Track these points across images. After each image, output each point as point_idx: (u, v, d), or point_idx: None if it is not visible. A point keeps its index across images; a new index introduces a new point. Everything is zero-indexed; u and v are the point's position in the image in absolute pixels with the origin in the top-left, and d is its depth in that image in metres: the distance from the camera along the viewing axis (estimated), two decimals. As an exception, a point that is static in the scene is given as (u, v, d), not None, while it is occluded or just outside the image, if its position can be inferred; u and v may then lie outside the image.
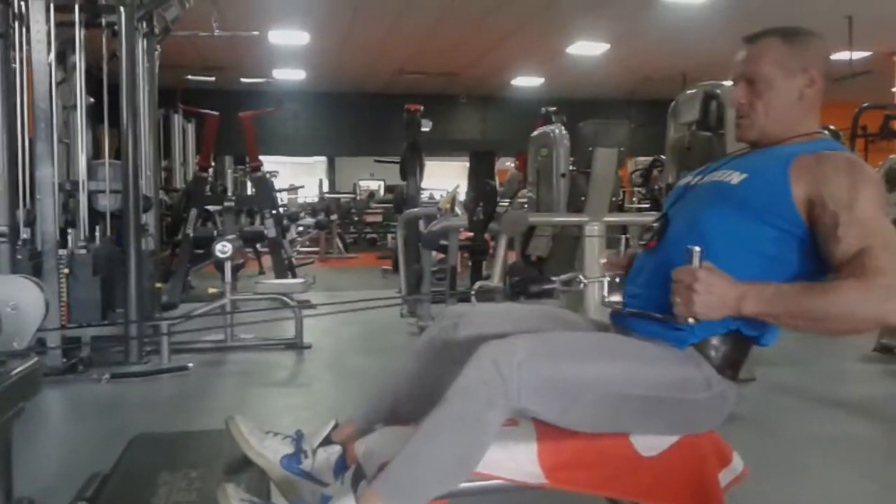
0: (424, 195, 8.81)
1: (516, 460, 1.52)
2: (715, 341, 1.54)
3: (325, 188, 16.82)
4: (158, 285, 4.93)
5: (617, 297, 1.75)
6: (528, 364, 1.41)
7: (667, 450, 1.55)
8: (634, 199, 12.25)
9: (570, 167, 4.69)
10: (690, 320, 1.41)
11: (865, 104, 5.58)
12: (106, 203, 4.97)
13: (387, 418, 1.77)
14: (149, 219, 5.03)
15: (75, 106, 5.17)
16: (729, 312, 1.40)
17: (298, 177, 17.91)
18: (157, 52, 5.31)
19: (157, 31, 5.28)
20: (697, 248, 1.41)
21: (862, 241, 1.41)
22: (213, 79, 10.25)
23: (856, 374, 4.27)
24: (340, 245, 12.62)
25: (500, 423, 1.43)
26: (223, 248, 4.60)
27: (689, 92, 4.17)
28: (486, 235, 4.48)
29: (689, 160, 4.21)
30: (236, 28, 8.03)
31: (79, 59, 4.85)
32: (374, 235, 14.35)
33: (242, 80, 10.40)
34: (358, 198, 15.66)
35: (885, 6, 9.10)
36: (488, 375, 1.40)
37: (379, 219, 14.61)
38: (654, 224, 1.70)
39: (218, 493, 1.39)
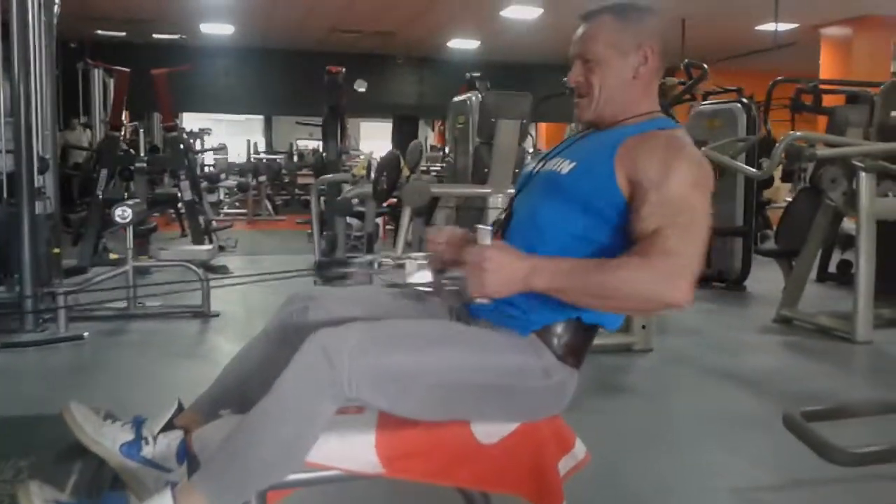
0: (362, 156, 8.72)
1: (354, 450, 1.50)
2: (558, 329, 1.53)
3: (262, 148, 16.43)
4: (56, 250, 4.73)
5: (424, 277, 1.71)
6: (358, 352, 1.37)
7: (506, 437, 1.54)
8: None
9: (476, 139, 4.65)
10: (481, 300, 1.41)
11: (779, 78, 5.68)
12: (2, 164, 4.75)
13: (233, 404, 1.72)
14: (46, 181, 4.82)
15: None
16: (520, 288, 1.40)
17: (234, 136, 17.48)
18: (55, 4, 5.03)
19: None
20: (486, 228, 1.40)
21: (661, 220, 1.40)
22: (123, 34, 9.80)
23: (752, 345, 4.38)
24: (270, 207, 12.40)
25: (330, 413, 1.40)
26: (123, 214, 4.44)
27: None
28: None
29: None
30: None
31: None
32: (307, 197, 14.10)
33: (154, 35, 9.98)
34: (294, 158, 15.36)
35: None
36: (317, 364, 1.36)
37: (311, 181, 14.36)
38: (502, 215, 1.68)
39: (19, 492, 1.32)
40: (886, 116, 4.71)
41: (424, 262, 1.71)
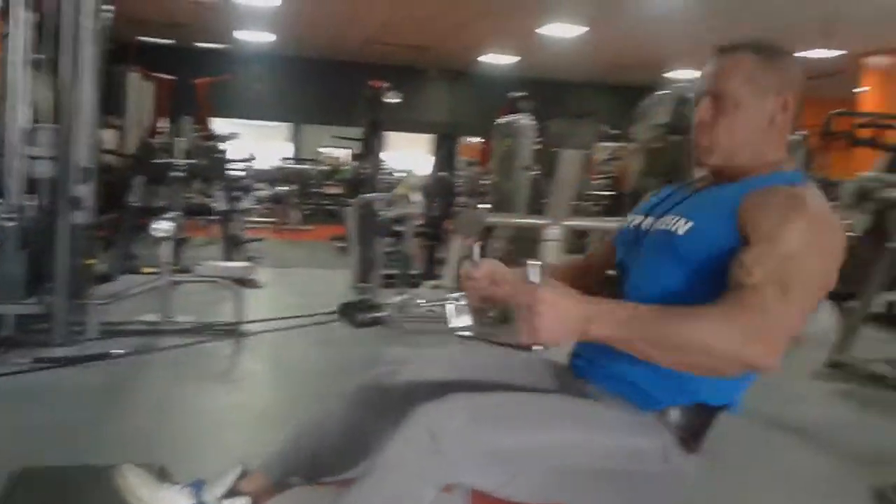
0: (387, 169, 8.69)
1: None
2: (680, 411, 1.39)
3: (290, 154, 16.33)
4: (90, 261, 4.62)
5: (464, 321, 1.52)
6: (468, 433, 1.24)
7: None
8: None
9: (532, 169, 4.50)
10: (536, 347, 1.22)
11: (838, 110, 5.49)
12: (44, 171, 4.65)
13: (305, 471, 1.59)
14: (84, 190, 4.71)
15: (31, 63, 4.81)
16: (577, 335, 1.22)
17: (261, 140, 17.42)
18: (105, 13, 4.93)
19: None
20: (535, 263, 1.23)
21: (762, 275, 1.23)
22: (172, 41, 9.79)
23: (807, 393, 4.17)
24: (299, 216, 12.32)
25: (432, 498, 1.27)
26: (162, 229, 4.34)
27: (660, 93, 4.00)
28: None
29: (658, 164, 4.07)
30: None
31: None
32: (334, 208, 13.95)
33: (196, 44, 9.97)
34: (322, 167, 15.26)
35: (862, 7, 9.01)
36: (422, 448, 1.23)
37: (339, 190, 14.22)
38: (611, 273, 1.54)
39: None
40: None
41: (464, 303, 1.52)
